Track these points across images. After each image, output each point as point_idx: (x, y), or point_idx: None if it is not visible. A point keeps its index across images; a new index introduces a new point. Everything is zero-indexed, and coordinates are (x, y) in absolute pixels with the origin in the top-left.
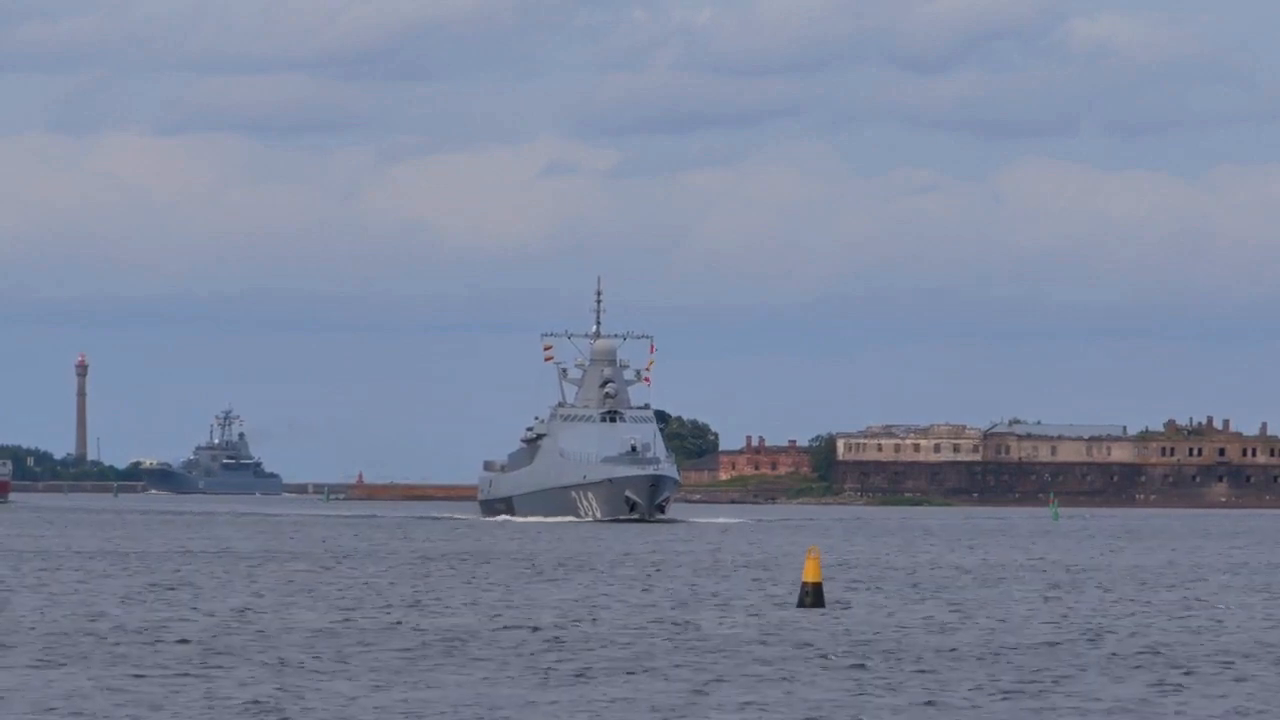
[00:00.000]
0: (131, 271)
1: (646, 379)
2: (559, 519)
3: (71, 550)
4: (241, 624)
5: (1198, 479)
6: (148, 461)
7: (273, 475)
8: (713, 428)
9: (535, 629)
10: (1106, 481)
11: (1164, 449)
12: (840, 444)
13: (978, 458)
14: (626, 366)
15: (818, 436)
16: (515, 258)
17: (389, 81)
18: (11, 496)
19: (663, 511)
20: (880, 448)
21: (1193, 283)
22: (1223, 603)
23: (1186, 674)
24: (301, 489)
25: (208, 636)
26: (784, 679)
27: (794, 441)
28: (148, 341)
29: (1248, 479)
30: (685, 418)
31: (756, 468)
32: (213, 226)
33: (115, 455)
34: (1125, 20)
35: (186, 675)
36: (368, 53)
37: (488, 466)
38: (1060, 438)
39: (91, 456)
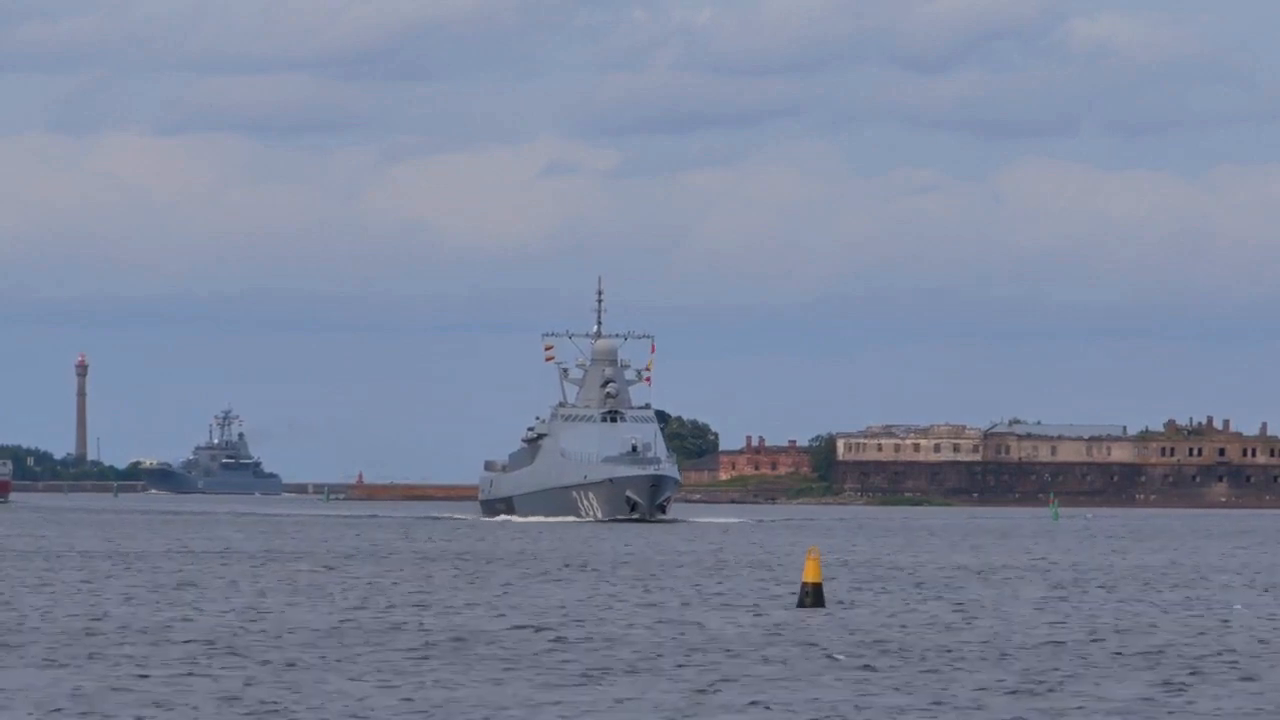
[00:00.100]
0: (131, 271)
1: (647, 379)
2: (560, 519)
3: (73, 550)
4: (246, 623)
5: (1198, 479)
6: (147, 461)
7: (272, 475)
8: (713, 428)
9: (539, 629)
10: (1106, 481)
11: (1164, 449)
12: (840, 444)
13: (978, 458)
14: (627, 366)
15: (818, 436)
16: (516, 258)
17: (389, 81)
18: (12, 496)
19: (663, 511)
20: (880, 448)
21: (1193, 283)
22: (1237, 602)
23: (1193, 674)
24: (301, 489)
25: (213, 636)
26: (788, 679)
27: (794, 441)
28: (148, 341)
29: (1248, 479)
30: (685, 418)
31: (757, 468)
32: (213, 226)
33: (115, 455)
34: (1125, 20)
35: (191, 675)
36: (368, 53)
37: (488, 466)
38: (1060, 438)
39: (91, 456)
